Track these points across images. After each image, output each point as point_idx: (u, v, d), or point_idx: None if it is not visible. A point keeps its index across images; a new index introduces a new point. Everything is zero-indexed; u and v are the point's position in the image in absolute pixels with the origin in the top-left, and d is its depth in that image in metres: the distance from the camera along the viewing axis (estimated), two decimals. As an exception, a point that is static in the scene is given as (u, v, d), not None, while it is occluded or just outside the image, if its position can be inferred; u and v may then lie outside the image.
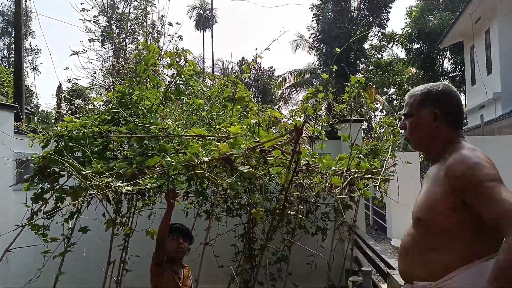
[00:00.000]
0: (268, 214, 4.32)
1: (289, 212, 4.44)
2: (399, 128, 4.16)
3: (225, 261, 5.09)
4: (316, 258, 5.19)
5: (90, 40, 13.04)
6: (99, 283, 3.44)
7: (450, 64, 23.24)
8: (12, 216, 2.95)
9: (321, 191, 4.48)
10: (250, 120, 3.03)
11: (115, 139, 2.82)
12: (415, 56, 22.56)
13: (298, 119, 3.32)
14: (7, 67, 25.92)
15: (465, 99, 17.83)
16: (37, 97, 29.77)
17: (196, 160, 2.35)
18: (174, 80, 3.22)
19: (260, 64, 31.03)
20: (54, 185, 2.92)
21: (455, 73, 22.77)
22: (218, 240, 5.02)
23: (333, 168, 2.90)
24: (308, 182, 3.50)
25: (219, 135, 2.67)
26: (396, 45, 24.39)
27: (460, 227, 1.56)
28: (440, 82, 1.84)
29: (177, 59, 3.45)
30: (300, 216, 4.57)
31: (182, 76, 3.42)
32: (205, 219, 4.56)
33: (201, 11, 39.65)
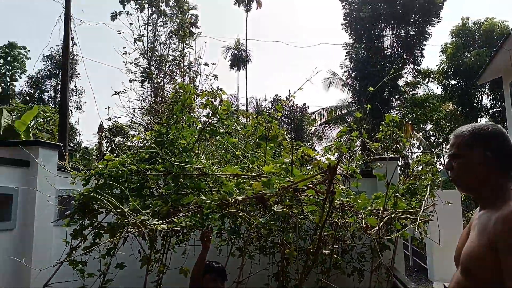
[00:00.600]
0: (302, 253, 4.24)
1: (323, 251, 4.34)
2: (443, 168, 4.05)
3: (257, 301, 4.98)
4: (352, 301, 4.99)
5: (130, 81, 13.71)
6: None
7: (490, 100, 22.62)
8: (52, 251, 3.05)
9: (357, 231, 4.38)
10: (284, 159, 3.04)
11: (151, 177, 2.91)
12: (452, 92, 22.15)
13: (331, 157, 3.31)
14: (53, 106, 27.45)
15: (507, 136, 17.11)
16: (79, 134, 31.14)
17: (230, 199, 2.37)
18: (209, 120, 3.31)
19: (293, 101, 31.36)
20: (93, 221, 3.01)
21: (495, 109, 22.09)
22: (251, 279, 4.95)
23: (369, 207, 2.84)
24: (343, 221, 3.43)
25: (253, 174, 2.70)
26: (431, 81, 24.09)
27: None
28: (488, 123, 1.78)
29: (212, 99, 3.56)
30: (335, 256, 4.45)
31: (217, 116, 3.52)
32: (238, 257, 4.53)
33: (235, 52, 40.95)
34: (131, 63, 13.64)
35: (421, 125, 22.31)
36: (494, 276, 1.52)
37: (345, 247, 4.96)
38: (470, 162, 1.70)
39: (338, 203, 2.24)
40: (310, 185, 2.25)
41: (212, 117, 3.35)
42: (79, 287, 3.21)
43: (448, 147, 1.86)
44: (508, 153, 1.69)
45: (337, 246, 4.78)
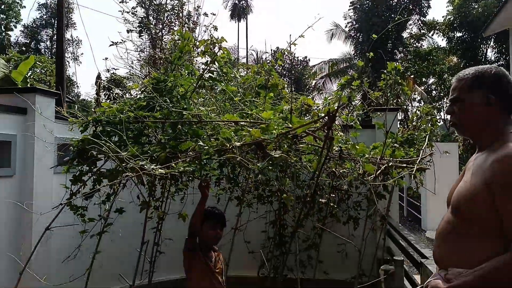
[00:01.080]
0: (299, 202, 4.32)
1: (320, 200, 4.42)
2: (442, 115, 4.02)
3: (255, 247, 5.14)
4: (347, 247, 5.15)
5: (128, 31, 13.33)
6: (134, 262, 3.55)
7: (494, 54, 22.19)
8: (53, 198, 3.10)
9: (354, 180, 4.43)
10: (283, 107, 3.01)
11: (149, 124, 2.89)
12: (456, 45, 21.65)
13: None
14: (49, 57, 26.97)
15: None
16: (77, 86, 30.86)
17: (228, 145, 2.37)
18: (208, 67, 3.24)
19: (294, 54, 30.77)
20: (92, 168, 3.03)
21: (499, 63, 21.73)
22: (249, 227, 5.07)
23: (366, 155, 2.84)
24: (341, 171, 3.46)
25: (251, 121, 2.68)
26: (437, 33, 23.49)
27: (500, 220, 1.51)
28: (491, 65, 1.74)
29: (211, 47, 3.47)
30: (331, 204, 4.54)
31: (216, 64, 3.44)
32: (236, 206, 4.62)
33: (236, 1, 39.65)
34: (128, 12, 13.21)
35: (423, 79, 22.05)
36: (485, 214, 1.53)
37: (342, 196, 5.05)
38: (472, 105, 1.68)
39: (336, 149, 2.24)
40: (309, 132, 2.23)
41: (211, 64, 3.28)
42: (80, 231, 3.29)
43: (450, 92, 1.83)
44: (510, 96, 1.67)
45: (333, 195, 4.86)
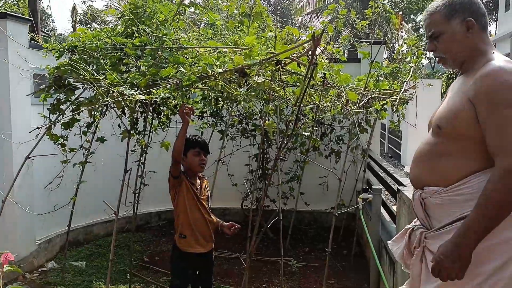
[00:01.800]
0: (282, 135, 4.34)
1: (303, 133, 4.45)
2: (423, 50, 3.98)
3: (238, 180, 5.24)
4: (328, 180, 5.30)
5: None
6: (118, 194, 3.58)
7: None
8: (31, 129, 3.02)
9: (337, 114, 4.44)
10: (267, 34, 2.92)
11: (128, 51, 2.78)
12: (446, -20, 21.02)
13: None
14: (20, -14, 25.22)
15: (496, 27, 16.86)
16: (52, 20, 29.29)
17: (210, 71, 2.31)
18: (188, -9, 3.07)
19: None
20: (70, 96, 2.95)
21: None
22: (232, 160, 5.14)
23: (350, 85, 2.82)
24: (324, 104, 3.45)
25: (234, 46, 2.59)
26: (427, -33, 22.67)
27: (483, 137, 1.52)
28: None
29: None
30: (314, 137, 4.59)
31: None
32: (219, 139, 4.63)
33: None
34: None
35: (412, 16, 21.61)
36: (467, 131, 1.54)
37: (325, 130, 5.10)
38: (453, 34, 1.65)
39: (320, 76, 2.20)
40: (293, 57, 2.18)
41: (191, -12, 3.11)
42: (62, 160, 3.27)
43: (424, 30, 1.77)
44: (483, 12, 1.66)
45: (316, 128, 4.90)
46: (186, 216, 2.72)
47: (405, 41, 4.06)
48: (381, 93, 3.26)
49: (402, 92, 3.22)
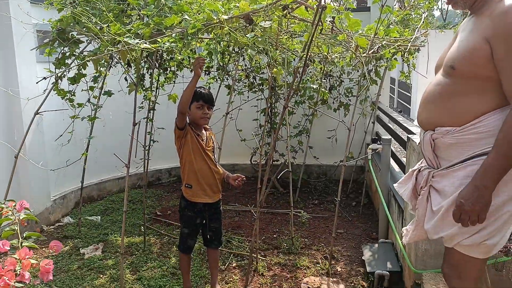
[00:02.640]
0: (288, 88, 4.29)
1: (312, 86, 4.39)
2: (440, 5, 3.81)
3: (247, 135, 5.25)
4: (336, 133, 5.29)
5: None
6: (128, 150, 3.62)
7: None
8: (38, 85, 3.01)
9: (346, 66, 4.35)
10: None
11: (130, 1, 2.70)
12: None
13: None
14: None
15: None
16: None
17: (215, 19, 2.24)
18: None
19: None
20: (75, 49, 2.91)
21: None
22: (240, 116, 5.13)
23: (360, 32, 2.74)
24: (333, 55, 3.36)
25: (239, -8, 2.51)
26: None
27: (498, 77, 1.48)
28: None
29: None
30: (322, 90, 4.53)
31: None
32: (227, 94, 4.59)
33: None
34: None
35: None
36: (482, 70, 1.51)
37: (333, 83, 5.03)
38: None
39: (329, 20, 2.13)
40: (300, 1, 2.10)
41: None
42: (71, 116, 3.28)
43: None
44: None
45: (325, 81, 4.83)
46: (191, 166, 2.74)
47: (417, -14, 3.89)
48: (392, 41, 3.16)
49: (413, 39, 3.12)
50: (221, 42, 3.44)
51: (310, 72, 4.62)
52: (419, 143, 1.81)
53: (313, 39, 2.12)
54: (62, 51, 2.91)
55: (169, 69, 4.26)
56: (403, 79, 4.89)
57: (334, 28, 2.33)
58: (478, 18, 1.57)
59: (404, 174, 3.30)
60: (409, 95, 10.93)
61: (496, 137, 1.46)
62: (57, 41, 2.83)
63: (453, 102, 1.59)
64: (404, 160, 3.59)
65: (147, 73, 3.94)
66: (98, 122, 3.69)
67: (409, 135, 2.86)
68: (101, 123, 3.80)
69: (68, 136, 3.40)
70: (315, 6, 2.08)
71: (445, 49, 1.71)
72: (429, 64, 3.96)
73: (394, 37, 3.26)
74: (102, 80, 3.39)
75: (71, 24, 2.73)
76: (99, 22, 2.65)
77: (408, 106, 11.15)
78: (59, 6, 2.80)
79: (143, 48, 2.11)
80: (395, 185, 1.95)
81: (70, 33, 2.85)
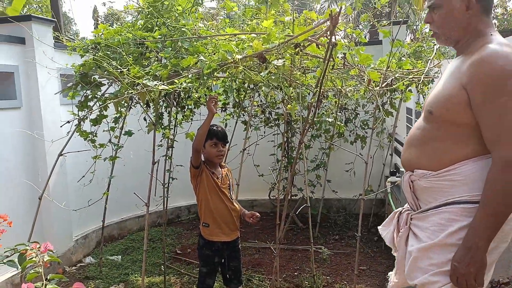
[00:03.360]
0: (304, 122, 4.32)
1: (327, 119, 4.42)
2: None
3: (264, 170, 5.26)
4: (354, 166, 5.25)
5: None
6: (148, 188, 3.66)
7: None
8: (62, 128, 3.14)
9: (361, 98, 4.39)
10: (284, 18, 2.91)
11: (149, 44, 2.83)
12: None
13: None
14: (44, -5, 25.95)
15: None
16: (75, 24, 30.01)
17: (230, 59, 2.32)
18: (205, -18, 3.09)
19: (297, -23, 29.25)
20: (96, 92, 3.03)
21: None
22: (257, 151, 5.16)
23: (372, 66, 2.78)
24: (346, 88, 3.40)
25: (252, 32, 2.60)
26: None
27: (475, 124, 1.46)
28: None
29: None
30: (338, 123, 4.54)
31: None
32: (243, 130, 4.65)
33: None
34: None
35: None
36: (459, 117, 1.49)
37: (349, 116, 5.05)
38: (452, 10, 1.58)
39: (340, 56, 2.18)
40: (312, 39, 2.17)
41: (208, -21, 3.12)
42: (93, 156, 3.37)
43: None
44: None
45: (340, 114, 4.86)
46: (208, 205, 2.75)
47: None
48: (405, 73, 3.19)
49: (426, 71, 3.14)
50: (237, 80, 3.54)
51: (325, 105, 4.66)
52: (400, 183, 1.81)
53: (326, 74, 2.17)
54: (85, 94, 3.04)
55: (186, 107, 4.37)
56: (420, 110, 4.88)
57: (346, 63, 2.38)
58: (461, 61, 1.55)
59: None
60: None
61: (482, 196, 1.42)
62: (80, 85, 2.96)
63: (432, 146, 1.58)
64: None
65: (165, 111, 4.05)
66: (119, 162, 3.77)
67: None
68: (122, 162, 3.88)
69: (90, 176, 3.48)
70: (326, 43, 2.14)
71: (432, 91, 1.71)
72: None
73: (407, 69, 3.29)
74: (122, 121, 3.50)
75: (93, 68, 2.86)
76: (119, 66, 2.78)
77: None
78: (82, 52, 2.94)
79: (161, 89, 2.18)
80: (379, 227, 1.90)
81: (92, 77, 2.98)
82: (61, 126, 2.92)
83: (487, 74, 1.41)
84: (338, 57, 2.25)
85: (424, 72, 3.15)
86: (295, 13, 2.91)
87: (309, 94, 4.07)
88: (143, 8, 3.18)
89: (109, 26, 3.05)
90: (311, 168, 5.13)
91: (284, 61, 2.13)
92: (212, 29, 3.10)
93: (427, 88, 4.11)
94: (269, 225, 5.27)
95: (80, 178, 3.43)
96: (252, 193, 5.77)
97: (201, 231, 2.84)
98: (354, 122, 5.09)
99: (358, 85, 3.36)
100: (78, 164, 3.96)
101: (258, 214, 2.81)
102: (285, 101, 3.07)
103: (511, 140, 1.38)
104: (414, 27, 16.21)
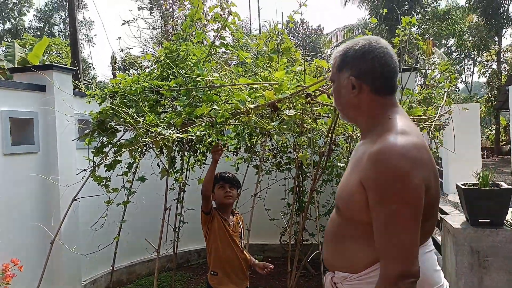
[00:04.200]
0: (316, 167, 4.33)
1: (339, 164, 4.42)
2: (457, 74, 3.91)
3: (275, 215, 5.21)
4: (367, 211, 5.17)
5: (139, 9, 13.34)
6: (159, 232, 3.65)
7: (517, 10, 21.27)
8: (76, 172, 3.20)
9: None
10: (296, 68, 2.99)
11: (164, 92, 2.92)
12: (476, 2, 20.84)
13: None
14: (64, 39, 27.13)
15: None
16: (93, 68, 31.10)
17: (242, 108, 2.38)
18: (219, 33, 3.23)
19: (307, 22, 30.21)
20: (112, 139, 3.11)
21: (522, 19, 20.84)
22: (268, 195, 5.14)
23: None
24: (358, 134, 3.44)
25: (264, 82, 2.68)
26: (455, -9, 22.59)
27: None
28: (364, 37, 1.44)
29: (222, 13, 3.44)
30: (350, 168, 4.53)
31: (227, 30, 3.42)
32: (255, 174, 4.66)
33: (246, -29, 38.82)
34: (137, -11, 13.18)
35: (443, 41, 21.37)
36: (362, 215, 1.34)
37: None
38: (340, 88, 1.46)
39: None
40: (323, 89, 2.22)
41: (222, 31, 3.26)
42: (105, 201, 3.39)
43: None
44: (381, 75, 1.40)
45: (352, 159, 4.85)
46: (217, 253, 2.73)
47: (437, 66, 4.02)
48: (415, 120, 3.22)
49: (437, 118, 3.17)
50: (249, 125, 3.60)
51: (336, 150, 4.68)
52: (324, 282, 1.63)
53: (337, 122, 2.21)
54: (101, 140, 3.11)
55: (198, 151, 4.42)
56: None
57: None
58: (362, 150, 1.40)
59: (440, 254, 3.16)
60: (441, 169, 10.74)
61: None
62: (96, 132, 3.04)
63: (344, 245, 1.44)
64: (439, 239, 3.45)
65: (178, 155, 4.11)
66: (130, 205, 3.79)
67: (442, 215, 2.79)
68: (134, 206, 3.90)
69: (101, 220, 3.49)
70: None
71: (342, 177, 1.57)
72: (456, 140, 3.97)
73: (418, 115, 3.32)
74: (136, 166, 3.55)
75: (110, 115, 2.95)
76: (135, 114, 2.86)
77: (441, 180, 10.90)
78: (100, 101, 3.05)
79: (176, 137, 2.24)
80: None
81: (109, 124, 3.07)
82: (77, 174, 2.97)
83: (381, 172, 1.27)
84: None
85: (435, 119, 3.17)
86: (306, 62, 3.00)
87: (320, 139, 4.10)
88: (160, 58, 3.31)
89: (126, 75, 3.17)
90: (322, 212, 5.07)
91: (295, 111, 2.18)
92: (225, 78, 3.19)
93: (438, 133, 4.12)
94: (280, 271, 5.15)
95: (93, 224, 3.44)
96: (263, 237, 5.69)
97: (208, 280, 2.80)
98: (366, 167, 5.07)
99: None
100: (89, 208, 3.98)
101: (271, 265, 2.75)
102: (296, 148, 3.09)
103: (391, 255, 1.25)
104: (423, 71, 16.43)
